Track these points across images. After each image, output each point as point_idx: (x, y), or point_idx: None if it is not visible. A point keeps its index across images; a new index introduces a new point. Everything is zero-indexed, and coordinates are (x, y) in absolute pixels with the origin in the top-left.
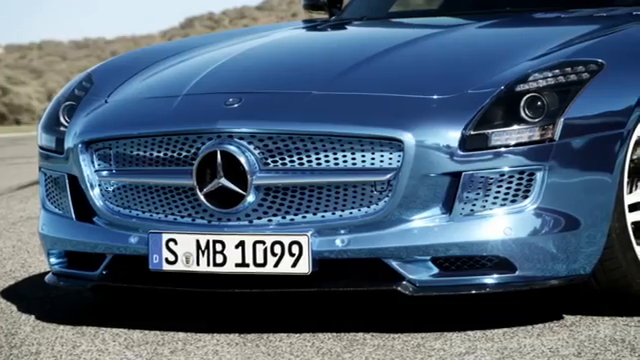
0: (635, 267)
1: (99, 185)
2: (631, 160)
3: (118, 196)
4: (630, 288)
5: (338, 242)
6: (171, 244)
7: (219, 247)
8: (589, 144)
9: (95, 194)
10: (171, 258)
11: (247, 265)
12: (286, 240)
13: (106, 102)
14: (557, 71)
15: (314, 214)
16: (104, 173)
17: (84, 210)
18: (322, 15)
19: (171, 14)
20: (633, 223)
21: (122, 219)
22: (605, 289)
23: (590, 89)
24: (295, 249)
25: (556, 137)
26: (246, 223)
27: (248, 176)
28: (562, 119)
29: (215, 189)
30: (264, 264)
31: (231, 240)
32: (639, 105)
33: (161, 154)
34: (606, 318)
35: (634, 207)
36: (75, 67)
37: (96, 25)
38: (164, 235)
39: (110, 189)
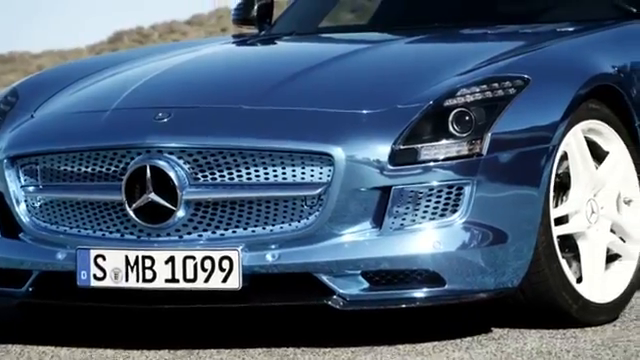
0: (561, 280)
1: (25, 201)
2: (557, 174)
3: (45, 212)
4: (556, 301)
5: (269, 257)
6: (99, 260)
7: (148, 263)
8: (516, 158)
9: (21, 210)
10: (99, 274)
11: (177, 281)
12: (216, 255)
13: (32, 117)
14: (484, 86)
15: (244, 229)
16: (30, 189)
17: (10, 226)
18: (252, 30)
19: (99, 28)
20: (559, 236)
21: (49, 235)
22: (532, 302)
23: (516, 104)
24: (225, 264)
25: (484, 152)
26: (176, 238)
27: (178, 191)
28: (490, 134)
29: (144, 204)
30: (194, 279)
31: (161, 255)
32: (564, 120)
33: (89, 169)
34: (533, 331)
35: (560, 221)
36: (0, 82)
37: (22, 39)
38: (92, 251)
39: (37, 205)
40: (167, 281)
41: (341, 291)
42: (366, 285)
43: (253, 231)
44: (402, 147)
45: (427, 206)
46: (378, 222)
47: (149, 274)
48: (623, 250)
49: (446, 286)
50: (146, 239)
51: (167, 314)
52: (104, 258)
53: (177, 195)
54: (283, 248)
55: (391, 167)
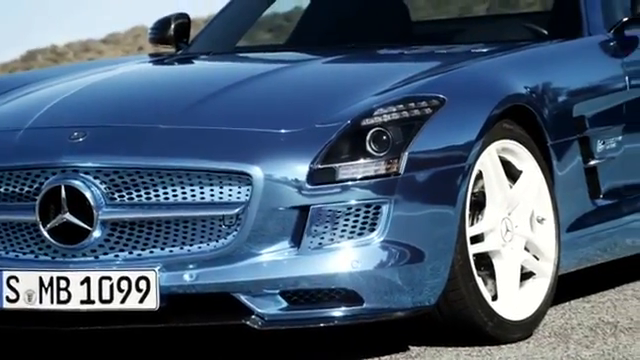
0: (476, 298)
1: None
2: (472, 193)
3: None
4: (472, 318)
5: (186, 277)
6: (12, 282)
7: (63, 284)
8: (433, 178)
9: None
10: (12, 296)
11: (93, 302)
12: (133, 276)
13: None
14: (401, 106)
15: (162, 249)
16: None
17: None
18: (169, 49)
19: (12, 46)
20: (474, 255)
21: None
22: (448, 320)
23: (433, 124)
24: (142, 284)
25: (401, 171)
26: (92, 259)
27: (94, 211)
28: (406, 153)
29: (59, 224)
30: (110, 300)
31: (76, 276)
32: (479, 140)
33: (2, 189)
34: (449, 348)
35: (475, 239)
36: None
37: None
38: (5, 272)
39: None
40: (82, 302)
41: (259, 311)
42: (285, 304)
43: (171, 251)
44: (320, 166)
45: (345, 225)
46: (297, 241)
47: (64, 295)
48: (537, 268)
49: (364, 305)
50: (61, 260)
51: (85, 335)
52: (17, 280)
53: (93, 215)
54: (201, 268)
55: (309, 186)
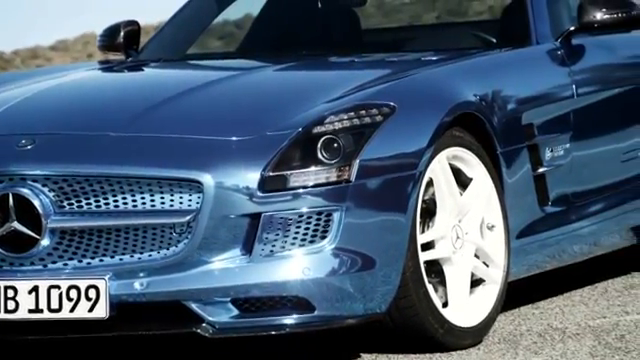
0: (427, 305)
1: None
2: (423, 200)
3: None
4: (423, 325)
5: (137, 285)
6: None
7: (11, 293)
8: (384, 185)
9: None
10: None
11: (41, 311)
12: (82, 284)
13: None
14: (352, 113)
15: (112, 257)
16: None
17: None
18: (118, 56)
19: None
20: (425, 262)
21: None
22: (399, 327)
23: (383, 131)
24: (92, 293)
25: (352, 178)
26: (40, 267)
27: (42, 219)
28: (358, 160)
29: (7, 233)
30: (59, 309)
31: (24, 285)
32: (429, 147)
33: None
34: (400, 355)
35: (426, 246)
36: None
37: None
38: None
39: None
40: (30, 311)
41: (210, 319)
42: (236, 312)
43: (121, 259)
44: (271, 174)
45: (297, 232)
46: (248, 249)
47: (11, 304)
48: (487, 275)
49: (315, 312)
50: (8, 269)
51: (36, 344)
52: None
53: (41, 223)
54: (152, 276)
55: (261, 194)
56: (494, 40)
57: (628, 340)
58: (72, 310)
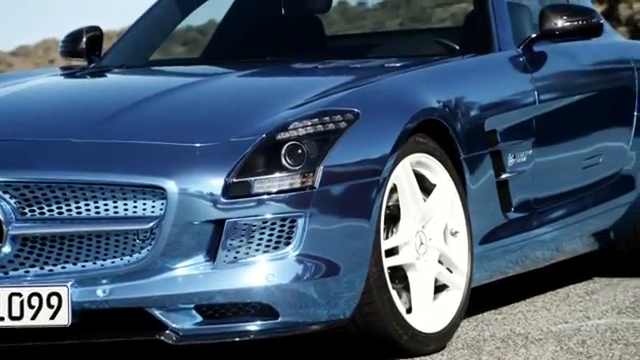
0: (391, 311)
1: None
2: (387, 206)
3: None
4: (387, 331)
5: (99, 292)
6: None
7: None
8: (348, 191)
9: None
10: None
11: (2, 319)
12: (44, 292)
13: None
14: (316, 120)
15: (74, 264)
16: None
17: None
18: (80, 62)
19: None
20: (389, 268)
21: None
22: (363, 333)
23: (347, 138)
24: (54, 300)
25: (316, 184)
26: (1, 275)
27: (3, 226)
28: (322, 167)
29: None
30: (21, 317)
31: None
32: (393, 153)
33: None
34: None
35: (390, 252)
36: None
37: None
38: None
39: None
40: None
41: (174, 325)
42: (199, 319)
43: (83, 266)
44: (235, 180)
45: (261, 239)
46: (212, 255)
47: None
48: (450, 280)
49: (279, 319)
50: None
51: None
52: None
53: (2, 230)
54: (115, 283)
55: (224, 200)
56: (457, 47)
57: (589, 345)
58: (34, 318)
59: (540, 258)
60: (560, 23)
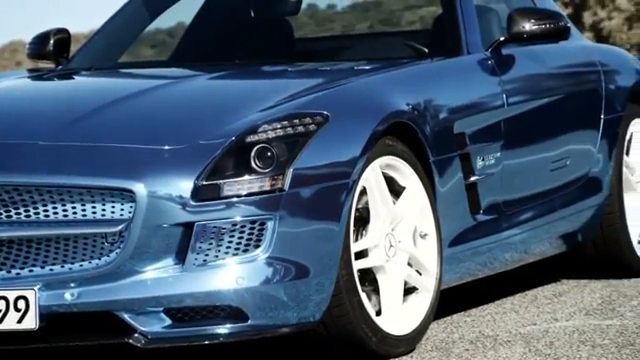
0: (361, 313)
1: None
2: (357, 209)
3: None
4: (356, 334)
5: (67, 296)
6: None
7: None
8: (317, 194)
9: None
10: None
11: None
12: (11, 295)
13: None
14: (285, 122)
15: (42, 267)
16: None
17: None
18: (48, 64)
19: None
20: (359, 270)
21: None
22: (333, 335)
23: (317, 140)
24: (21, 304)
25: (286, 187)
26: None
27: None
28: (291, 169)
29: None
30: None
31: None
32: (362, 156)
33: None
34: None
35: (360, 255)
36: None
37: None
38: None
39: None
40: None
41: (142, 329)
42: (169, 322)
43: (51, 269)
44: (205, 183)
45: (230, 242)
46: (181, 258)
47: None
48: (419, 283)
49: (249, 321)
50: None
51: None
52: None
53: None
54: (83, 286)
55: (194, 203)
56: (426, 50)
57: (557, 347)
58: (0, 321)
59: (509, 260)
60: (528, 26)
